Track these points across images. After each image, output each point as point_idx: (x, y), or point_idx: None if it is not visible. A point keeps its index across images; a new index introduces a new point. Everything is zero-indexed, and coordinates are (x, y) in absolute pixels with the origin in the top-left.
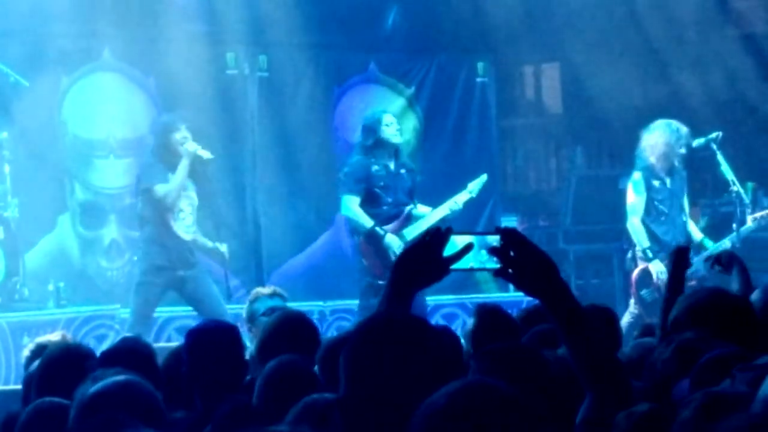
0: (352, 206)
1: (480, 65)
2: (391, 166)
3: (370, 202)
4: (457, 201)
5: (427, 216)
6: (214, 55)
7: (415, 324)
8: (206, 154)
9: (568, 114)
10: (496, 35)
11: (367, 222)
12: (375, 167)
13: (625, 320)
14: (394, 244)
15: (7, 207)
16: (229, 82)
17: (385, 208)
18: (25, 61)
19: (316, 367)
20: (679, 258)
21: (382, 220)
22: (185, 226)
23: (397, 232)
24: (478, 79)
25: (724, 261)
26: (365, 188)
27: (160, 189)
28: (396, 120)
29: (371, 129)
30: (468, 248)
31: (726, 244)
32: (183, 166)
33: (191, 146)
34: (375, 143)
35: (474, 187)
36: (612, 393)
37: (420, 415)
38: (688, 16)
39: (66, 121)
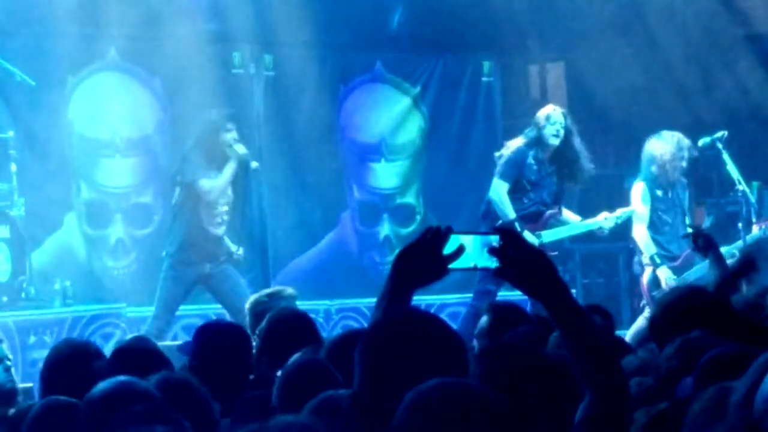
0: (500, 191)
1: (485, 64)
2: (545, 164)
3: (514, 192)
4: (604, 225)
5: (572, 224)
6: (220, 54)
7: (430, 320)
8: (254, 164)
9: (573, 113)
10: (501, 35)
11: (510, 213)
12: (530, 160)
13: (639, 324)
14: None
15: (13, 206)
16: (235, 81)
17: (526, 202)
18: (31, 60)
19: None
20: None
21: (520, 214)
22: (216, 222)
23: (535, 231)
24: (484, 79)
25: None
26: (516, 177)
27: (205, 184)
28: (562, 121)
29: (537, 122)
30: (463, 248)
31: (733, 253)
32: (230, 167)
33: (241, 149)
34: (536, 137)
35: (623, 215)
36: (611, 391)
37: (399, 411)
38: (693, 15)
39: (72, 120)
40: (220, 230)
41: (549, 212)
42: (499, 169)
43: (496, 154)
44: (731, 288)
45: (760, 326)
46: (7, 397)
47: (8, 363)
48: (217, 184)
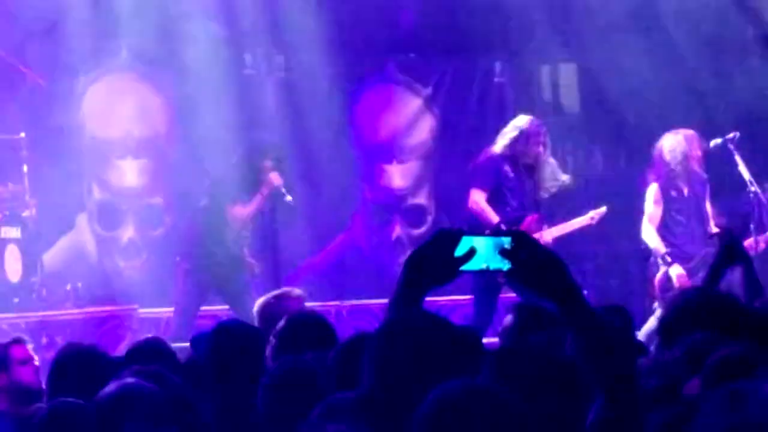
0: (479, 200)
1: (497, 65)
2: (521, 170)
3: (496, 201)
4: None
5: (548, 231)
6: (232, 55)
7: (440, 322)
8: (288, 198)
9: (585, 114)
10: (513, 35)
11: (493, 218)
12: (506, 167)
13: (650, 325)
14: None
15: (25, 207)
16: (247, 82)
17: (508, 209)
18: (43, 60)
19: None
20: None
21: (504, 221)
22: (238, 240)
23: None
24: (495, 79)
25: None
26: (494, 185)
27: (237, 212)
28: (543, 139)
29: (520, 133)
30: (475, 250)
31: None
32: (258, 199)
33: (276, 180)
34: (516, 147)
35: (596, 215)
36: (624, 394)
37: (421, 410)
38: (706, 15)
39: (84, 121)
40: (241, 248)
41: (531, 216)
42: (475, 178)
43: (471, 164)
44: (757, 288)
45: None
46: (34, 398)
47: (35, 364)
48: (241, 214)
